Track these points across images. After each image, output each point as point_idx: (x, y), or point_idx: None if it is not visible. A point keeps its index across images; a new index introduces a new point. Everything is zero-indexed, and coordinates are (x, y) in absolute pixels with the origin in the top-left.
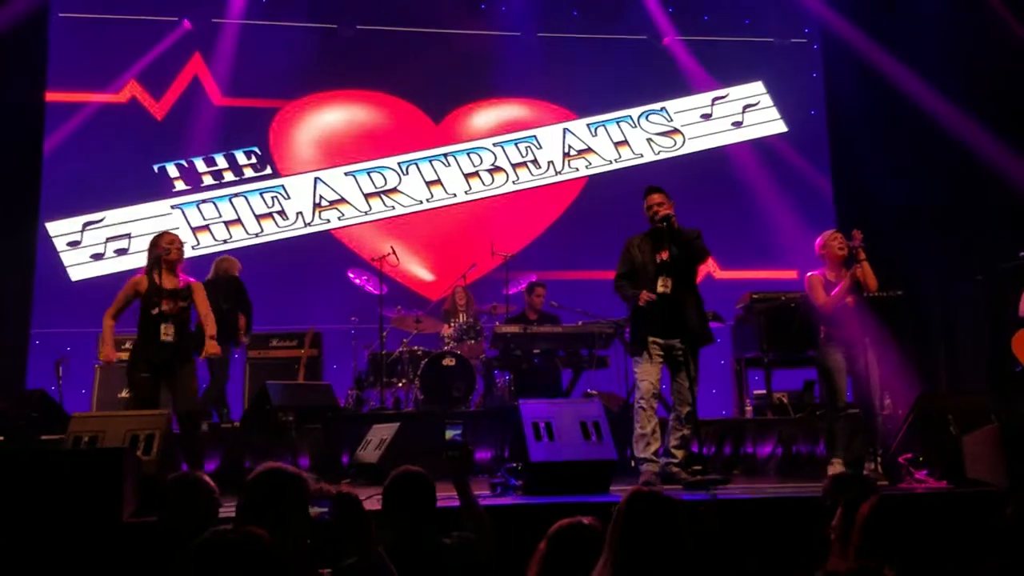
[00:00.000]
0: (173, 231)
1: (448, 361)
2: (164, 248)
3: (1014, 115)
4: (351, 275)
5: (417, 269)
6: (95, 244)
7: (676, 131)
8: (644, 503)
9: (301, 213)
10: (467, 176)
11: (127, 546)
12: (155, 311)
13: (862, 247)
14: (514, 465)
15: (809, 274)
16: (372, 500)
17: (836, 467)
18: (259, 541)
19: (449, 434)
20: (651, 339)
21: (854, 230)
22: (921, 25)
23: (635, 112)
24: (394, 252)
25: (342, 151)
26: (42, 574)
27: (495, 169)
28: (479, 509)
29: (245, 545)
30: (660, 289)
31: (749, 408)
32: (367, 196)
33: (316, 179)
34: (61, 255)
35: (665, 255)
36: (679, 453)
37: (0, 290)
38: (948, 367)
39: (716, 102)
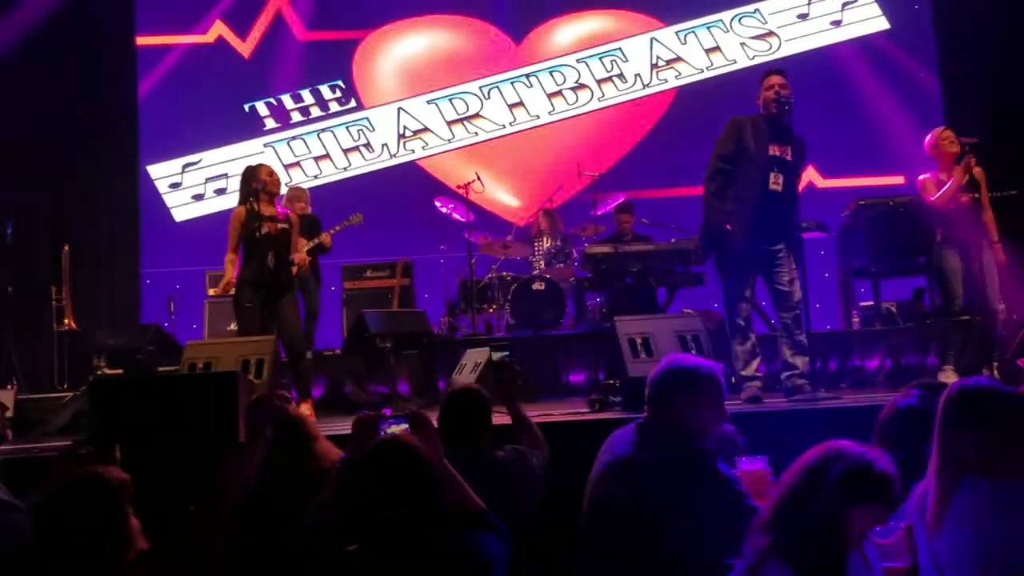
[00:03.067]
0: (266, 164)
1: (538, 285)
2: (266, 180)
3: None
4: (438, 203)
5: (503, 195)
6: (195, 185)
7: (771, 33)
8: (971, 397)
9: (386, 145)
10: (550, 96)
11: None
12: (258, 234)
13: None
14: (612, 382)
15: (921, 177)
16: None
17: (948, 374)
18: (413, 450)
19: (496, 356)
20: (745, 241)
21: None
22: None
23: (727, 16)
24: (479, 178)
25: (424, 79)
26: (170, 490)
27: (579, 87)
28: (532, 425)
29: (404, 452)
30: (772, 186)
31: (856, 320)
32: (450, 123)
33: (399, 109)
34: (164, 197)
35: (782, 151)
36: (798, 361)
37: (109, 233)
38: None
39: (813, 0)
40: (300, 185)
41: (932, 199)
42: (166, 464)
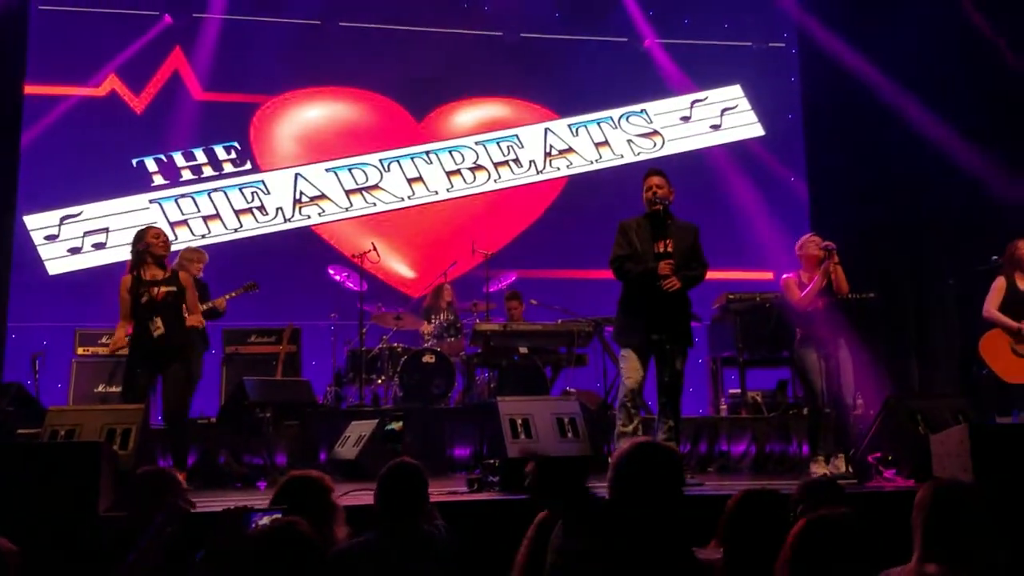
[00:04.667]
0: (155, 225)
1: (428, 358)
2: (150, 242)
3: (990, 121)
4: (331, 271)
5: (398, 266)
6: (73, 238)
7: (656, 133)
8: (952, 494)
9: (281, 209)
10: (449, 174)
11: (104, 539)
12: (143, 300)
13: (834, 251)
14: (491, 461)
15: (784, 276)
16: (349, 496)
17: (820, 465)
18: (300, 531)
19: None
20: (640, 332)
21: (828, 242)
22: (898, 31)
23: (616, 113)
24: (375, 248)
25: (323, 147)
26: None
27: (477, 167)
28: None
29: (291, 535)
30: (659, 279)
31: (724, 407)
32: (348, 192)
33: (296, 175)
34: (38, 249)
35: (666, 245)
36: (670, 445)
37: None
38: (920, 369)
39: (695, 105)
40: (198, 247)
41: (795, 300)
42: (21, 535)
